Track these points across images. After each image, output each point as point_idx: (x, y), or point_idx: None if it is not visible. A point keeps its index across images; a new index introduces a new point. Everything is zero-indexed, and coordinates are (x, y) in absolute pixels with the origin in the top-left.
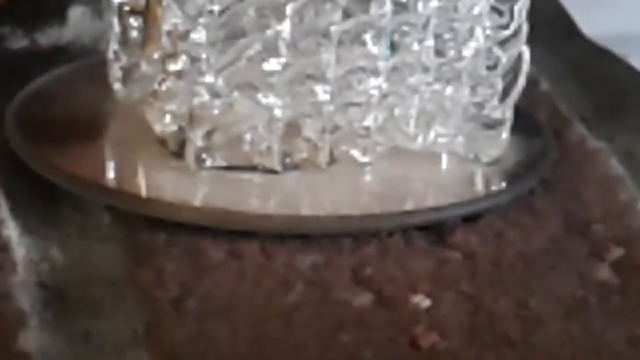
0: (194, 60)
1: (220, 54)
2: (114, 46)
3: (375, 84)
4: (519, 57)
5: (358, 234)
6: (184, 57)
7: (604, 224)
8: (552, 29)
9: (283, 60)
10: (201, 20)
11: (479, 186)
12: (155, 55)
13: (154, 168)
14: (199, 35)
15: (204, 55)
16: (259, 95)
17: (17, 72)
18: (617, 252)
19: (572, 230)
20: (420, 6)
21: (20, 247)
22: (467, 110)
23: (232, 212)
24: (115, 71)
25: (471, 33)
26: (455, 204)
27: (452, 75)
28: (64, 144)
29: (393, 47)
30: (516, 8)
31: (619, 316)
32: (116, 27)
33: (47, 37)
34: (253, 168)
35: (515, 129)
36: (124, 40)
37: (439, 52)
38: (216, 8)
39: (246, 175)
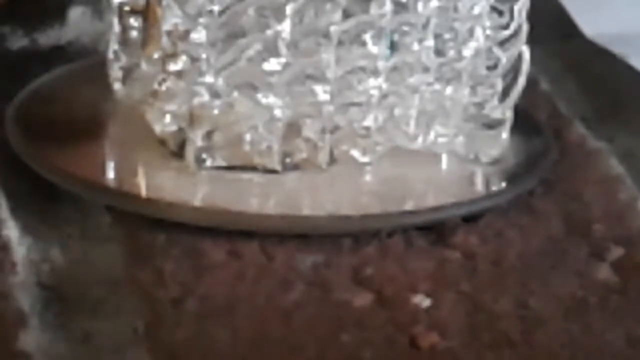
0: (194, 60)
1: (220, 54)
2: (114, 46)
3: (375, 84)
4: (519, 57)
5: (358, 234)
6: (184, 57)
7: (604, 224)
8: (552, 29)
9: (283, 60)
10: (201, 20)
11: (479, 186)
12: (155, 55)
13: (154, 168)
14: (199, 35)
15: (204, 55)
16: (259, 95)
17: (17, 72)
18: (617, 252)
19: (572, 230)
20: (420, 6)
21: (20, 247)
22: (467, 110)
23: (232, 212)
24: (115, 71)
25: (471, 33)
26: (455, 204)
27: (452, 75)
28: (64, 144)
29: (393, 47)
30: (516, 8)
31: (619, 316)
32: (116, 27)
33: (47, 37)
34: (253, 168)
35: (515, 129)
36: (124, 40)
37: (439, 52)
38: (216, 8)
39: (246, 175)
